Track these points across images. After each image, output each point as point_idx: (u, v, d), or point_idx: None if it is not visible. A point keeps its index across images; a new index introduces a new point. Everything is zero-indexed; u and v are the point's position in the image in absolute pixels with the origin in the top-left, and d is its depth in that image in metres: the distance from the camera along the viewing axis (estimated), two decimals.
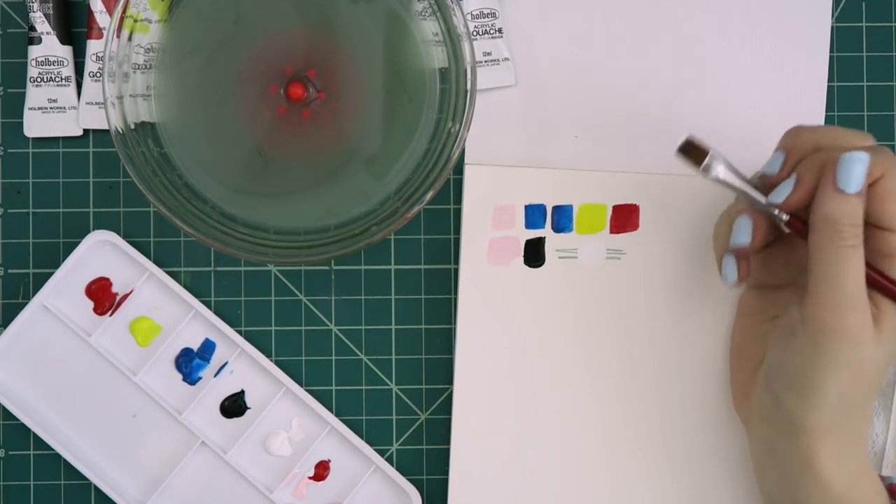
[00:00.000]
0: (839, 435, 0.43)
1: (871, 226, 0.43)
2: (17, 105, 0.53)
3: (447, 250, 0.53)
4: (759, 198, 0.44)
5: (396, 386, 0.53)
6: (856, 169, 0.41)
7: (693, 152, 0.44)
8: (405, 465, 0.53)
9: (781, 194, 0.43)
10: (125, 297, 0.52)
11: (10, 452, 0.53)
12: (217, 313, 0.52)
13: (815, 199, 0.42)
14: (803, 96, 0.52)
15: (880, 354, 0.42)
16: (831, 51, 0.53)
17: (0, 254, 0.53)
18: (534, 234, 0.51)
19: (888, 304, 0.42)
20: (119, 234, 0.52)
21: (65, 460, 0.52)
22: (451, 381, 0.52)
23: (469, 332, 0.51)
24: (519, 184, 0.51)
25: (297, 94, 0.48)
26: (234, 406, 0.52)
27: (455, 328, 0.52)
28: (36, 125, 0.52)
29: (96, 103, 0.52)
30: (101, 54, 0.52)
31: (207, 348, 0.52)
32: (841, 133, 0.44)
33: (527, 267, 0.51)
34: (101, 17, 0.52)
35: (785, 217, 0.44)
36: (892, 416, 0.51)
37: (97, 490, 0.53)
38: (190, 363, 0.52)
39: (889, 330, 0.42)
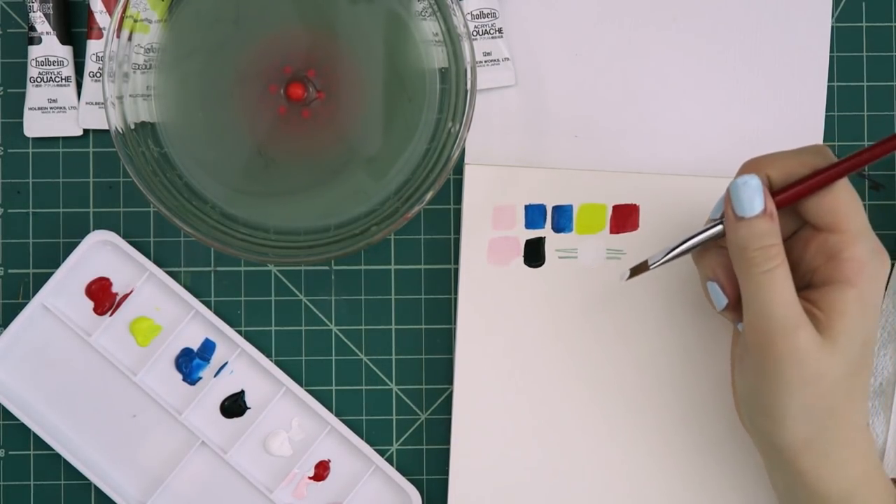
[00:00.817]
0: (821, 447, 0.42)
1: (811, 227, 0.43)
2: (17, 105, 0.53)
3: (447, 250, 0.53)
4: (711, 234, 0.44)
5: (396, 386, 0.53)
6: (745, 193, 0.41)
7: (638, 269, 0.45)
8: (405, 465, 0.53)
9: (720, 298, 0.44)
10: (125, 297, 0.52)
11: (10, 452, 0.53)
12: (217, 313, 0.52)
13: (725, 224, 0.43)
14: (803, 96, 0.52)
15: (836, 363, 0.41)
16: (831, 51, 0.53)
17: (0, 254, 0.53)
18: (534, 234, 0.51)
19: (835, 311, 0.41)
20: (119, 234, 0.52)
21: (65, 460, 0.52)
22: (451, 381, 0.52)
23: (469, 332, 0.51)
24: (519, 184, 0.51)
25: (297, 94, 0.48)
26: (234, 406, 0.52)
27: (455, 328, 0.52)
28: (36, 125, 0.52)
29: (96, 103, 0.52)
30: (101, 54, 0.52)
31: (207, 348, 0.52)
32: (786, 156, 0.43)
33: (527, 267, 0.51)
34: (101, 17, 0.52)
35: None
36: (892, 416, 0.51)
37: (97, 490, 0.53)
38: (190, 363, 0.52)
39: (843, 335, 0.41)
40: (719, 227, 0.43)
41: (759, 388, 0.42)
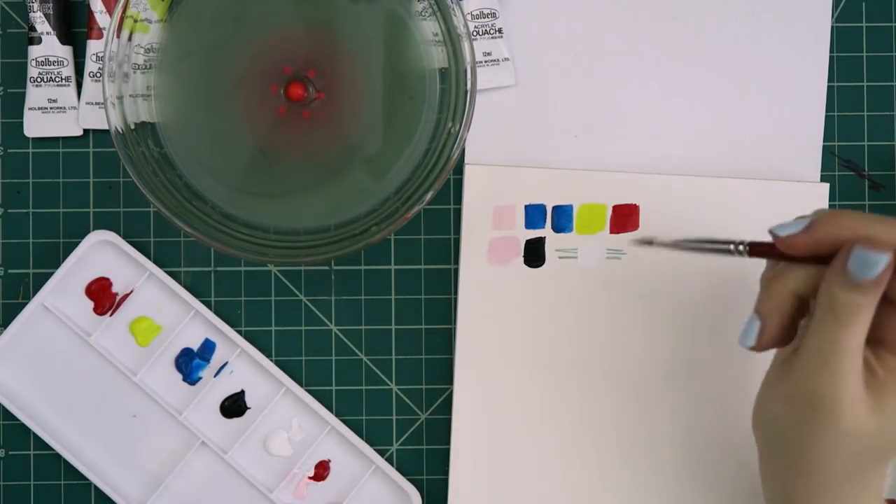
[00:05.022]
0: (832, 496, 0.41)
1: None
2: (17, 105, 0.53)
3: (447, 250, 0.53)
4: (730, 253, 0.42)
5: (396, 386, 0.53)
6: (872, 265, 0.39)
7: (645, 241, 0.45)
8: (405, 465, 0.53)
9: (750, 337, 0.42)
10: (125, 297, 0.52)
11: (10, 452, 0.53)
12: (217, 313, 0.52)
13: (827, 272, 0.40)
14: (803, 96, 0.52)
15: (874, 427, 0.40)
16: (831, 51, 0.53)
17: (0, 254, 0.53)
18: (534, 234, 0.51)
19: (892, 382, 0.40)
20: (119, 234, 0.52)
21: (65, 460, 0.52)
22: (451, 381, 0.52)
23: (469, 331, 0.51)
24: (519, 184, 0.51)
25: (298, 94, 0.48)
26: (234, 406, 0.52)
27: (455, 328, 0.52)
28: (36, 125, 0.52)
29: (96, 103, 0.52)
30: (101, 54, 0.52)
31: (207, 348, 0.52)
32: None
33: (527, 267, 0.51)
34: (101, 17, 0.52)
35: (743, 248, 0.42)
36: None
37: (97, 490, 0.53)
38: (190, 363, 0.52)
39: (891, 408, 0.40)
40: (739, 256, 0.42)
41: (784, 416, 0.41)
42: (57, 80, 0.52)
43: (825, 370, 0.40)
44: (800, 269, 0.41)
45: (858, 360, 0.40)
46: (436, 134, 0.47)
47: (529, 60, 0.52)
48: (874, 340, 0.41)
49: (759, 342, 0.42)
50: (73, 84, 0.52)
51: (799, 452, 0.41)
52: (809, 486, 0.41)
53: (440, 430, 0.53)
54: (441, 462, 0.53)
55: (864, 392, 0.40)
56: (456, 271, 0.52)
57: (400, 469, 0.52)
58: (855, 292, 0.39)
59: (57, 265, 0.52)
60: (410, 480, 0.52)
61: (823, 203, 0.51)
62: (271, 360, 0.52)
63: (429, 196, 0.46)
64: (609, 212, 0.51)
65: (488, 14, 0.52)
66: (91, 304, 0.52)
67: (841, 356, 0.40)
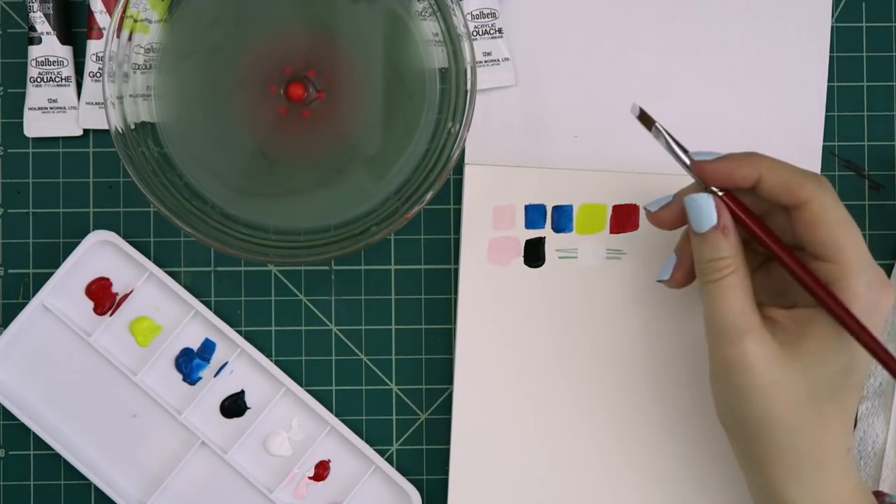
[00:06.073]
0: (792, 465, 0.42)
1: (806, 254, 0.42)
2: (17, 105, 0.53)
3: (447, 250, 0.53)
4: (686, 161, 0.44)
5: (396, 386, 0.53)
6: (695, 210, 0.42)
7: (645, 119, 0.44)
8: (405, 465, 0.53)
9: (666, 272, 0.45)
10: (125, 297, 0.52)
11: (10, 452, 0.53)
12: (217, 313, 0.52)
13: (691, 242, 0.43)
14: (803, 96, 0.53)
15: (796, 379, 0.41)
16: (831, 51, 0.53)
17: (0, 254, 0.53)
18: (534, 234, 0.51)
19: (808, 332, 0.41)
20: (119, 234, 0.52)
21: (65, 460, 0.52)
22: (451, 381, 0.52)
23: (469, 331, 0.51)
24: (519, 184, 0.51)
25: (298, 94, 0.48)
26: (234, 406, 0.52)
27: (455, 328, 0.52)
28: (36, 125, 0.52)
29: (96, 103, 0.52)
30: (101, 54, 0.52)
31: (207, 348, 0.52)
32: (788, 169, 0.42)
33: (527, 267, 0.51)
34: (101, 17, 0.52)
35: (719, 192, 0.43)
36: (892, 416, 0.51)
37: (97, 490, 0.53)
38: (190, 363, 0.52)
39: (809, 356, 0.41)
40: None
41: (721, 391, 0.43)
42: (57, 80, 0.52)
43: (725, 333, 0.41)
44: None
45: (752, 315, 0.41)
46: (436, 134, 0.47)
47: (529, 60, 0.52)
48: (772, 297, 0.44)
49: (672, 277, 0.45)
50: (73, 84, 0.52)
51: (747, 424, 0.42)
52: (770, 454, 0.42)
53: (440, 430, 0.53)
54: (441, 462, 0.53)
55: (777, 347, 0.41)
56: (456, 271, 0.52)
57: (400, 469, 0.52)
58: (709, 247, 0.42)
59: (57, 265, 0.52)
60: (410, 480, 0.52)
61: None
62: (271, 360, 0.52)
63: (429, 196, 0.46)
64: (609, 212, 0.51)
65: (488, 14, 0.52)
66: (91, 304, 0.52)
67: (731, 315, 0.41)
